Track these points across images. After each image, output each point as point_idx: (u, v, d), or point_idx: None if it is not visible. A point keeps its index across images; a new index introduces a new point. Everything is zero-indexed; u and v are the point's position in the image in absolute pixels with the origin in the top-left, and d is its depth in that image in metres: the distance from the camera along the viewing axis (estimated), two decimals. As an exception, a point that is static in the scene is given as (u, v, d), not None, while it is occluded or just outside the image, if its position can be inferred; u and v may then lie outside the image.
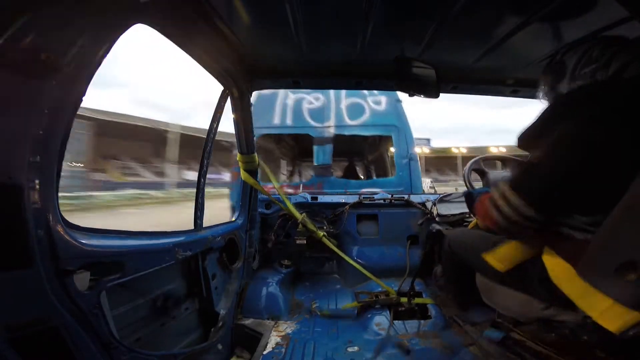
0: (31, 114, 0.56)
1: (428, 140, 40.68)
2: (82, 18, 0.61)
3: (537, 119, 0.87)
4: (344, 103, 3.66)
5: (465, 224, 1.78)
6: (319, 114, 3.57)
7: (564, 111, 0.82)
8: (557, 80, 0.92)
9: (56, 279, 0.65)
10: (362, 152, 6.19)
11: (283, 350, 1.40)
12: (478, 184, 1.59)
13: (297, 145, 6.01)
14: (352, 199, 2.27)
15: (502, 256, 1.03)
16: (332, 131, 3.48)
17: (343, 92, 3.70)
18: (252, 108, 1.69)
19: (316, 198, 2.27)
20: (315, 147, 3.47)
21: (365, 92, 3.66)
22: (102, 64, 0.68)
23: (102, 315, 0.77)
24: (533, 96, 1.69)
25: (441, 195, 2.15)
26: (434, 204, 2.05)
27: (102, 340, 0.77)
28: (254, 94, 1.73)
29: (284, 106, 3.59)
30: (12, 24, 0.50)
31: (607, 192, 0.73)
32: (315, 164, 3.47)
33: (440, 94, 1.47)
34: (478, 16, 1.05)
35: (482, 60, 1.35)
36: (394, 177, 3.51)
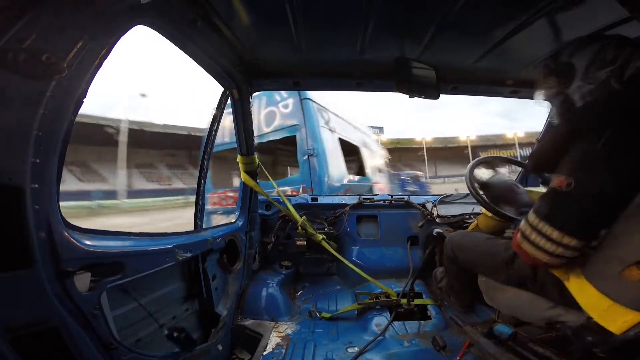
0: (32, 115, 0.56)
1: (380, 128, 40.16)
2: (82, 19, 0.61)
3: (550, 138, 0.83)
4: (262, 113, 3.88)
5: (465, 225, 1.78)
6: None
7: (579, 129, 0.78)
8: (565, 83, 0.85)
9: (57, 280, 0.65)
10: (283, 155, 6.31)
11: (283, 351, 1.40)
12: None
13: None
14: (352, 199, 2.27)
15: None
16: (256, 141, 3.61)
17: (263, 102, 3.90)
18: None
19: (316, 199, 2.26)
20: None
21: (278, 97, 3.82)
22: (102, 65, 0.69)
23: (102, 316, 0.76)
24: (533, 96, 1.69)
25: (441, 196, 2.15)
26: (434, 205, 2.05)
27: (103, 341, 0.77)
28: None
29: (223, 127, 3.67)
30: (13, 25, 0.50)
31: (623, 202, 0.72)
32: None
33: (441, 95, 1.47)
34: (478, 16, 1.05)
35: (482, 60, 1.35)
36: (297, 175, 3.64)
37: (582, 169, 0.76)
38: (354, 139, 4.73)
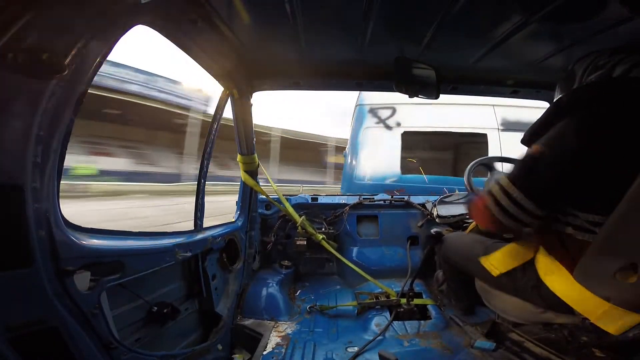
0: (32, 114, 0.56)
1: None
2: (83, 19, 0.61)
3: (541, 117, 0.88)
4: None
5: (465, 225, 1.78)
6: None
7: (567, 107, 0.83)
8: (567, 88, 0.95)
9: (56, 279, 0.65)
10: None
11: (283, 350, 1.40)
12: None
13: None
14: (352, 199, 2.28)
15: (497, 261, 1.03)
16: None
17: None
18: None
19: (316, 199, 2.27)
20: None
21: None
22: (103, 65, 0.69)
23: (102, 316, 0.77)
24: (533, 97, 1.69)
25: (441, 197, 2.15)
26: (434, 205, 2.05)
27: (102, 341, 0.77)
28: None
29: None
30: (14, 24, 0.50)
31: (612, 191, 0.72)
32: None
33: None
34: (478, 16, 1.05)
35: (482, 60, 1.35)
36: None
37: (554, 139, 0.81)
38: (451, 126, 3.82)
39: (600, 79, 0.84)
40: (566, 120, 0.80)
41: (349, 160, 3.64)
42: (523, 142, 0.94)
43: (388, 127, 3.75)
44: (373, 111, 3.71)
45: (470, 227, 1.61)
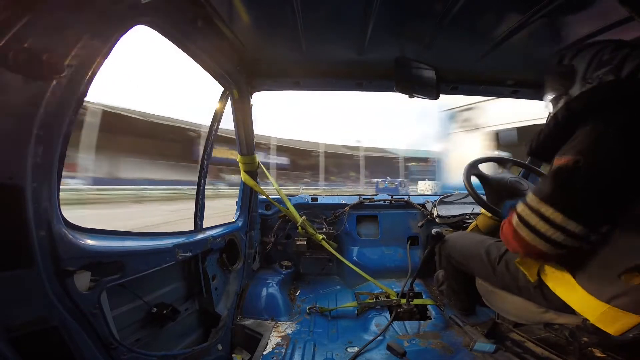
0: (33, 114, 0.56)
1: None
2: (83, 19, 0.61)
3: (552, 125, 0.82)
4: None
5: (465, 225, 1.78)
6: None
7: (579, 113, 0.76)
8: (567, 86, 0.87)
9: (57, 279, 0.65)
10: None
11: (283, 350, 1.40)
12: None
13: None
14: (352, 199, 2.28)
15: (529, 266, 0.93)
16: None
17: None
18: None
19: (316, 199, 2.27)
20: None
21: None
22: (103, 65, 0.69)
23: (102, 316, 0.77)
24: (533, 97, 1.69)
25: (441, 197, 2.15)
26: (434, 205, 2.05)
27: (102, 341, 0.77)
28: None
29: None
30: (14, 25, 0.50)
31: (616, 198, 0.71)
32: None
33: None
34: (478, 17, 1.05)
35: (482, 60, 1.35)
36: None
37: (592, 148, 0.71)
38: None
39: (620, 78, 0.76)
40: (594, 125, 0.73)
41: (441, 167, 3.63)
42: (532, 154, 0.88)
43: (469, 129, 3.65)
44: (454, 115, 3.64)
45: (471, 226, 1.61)
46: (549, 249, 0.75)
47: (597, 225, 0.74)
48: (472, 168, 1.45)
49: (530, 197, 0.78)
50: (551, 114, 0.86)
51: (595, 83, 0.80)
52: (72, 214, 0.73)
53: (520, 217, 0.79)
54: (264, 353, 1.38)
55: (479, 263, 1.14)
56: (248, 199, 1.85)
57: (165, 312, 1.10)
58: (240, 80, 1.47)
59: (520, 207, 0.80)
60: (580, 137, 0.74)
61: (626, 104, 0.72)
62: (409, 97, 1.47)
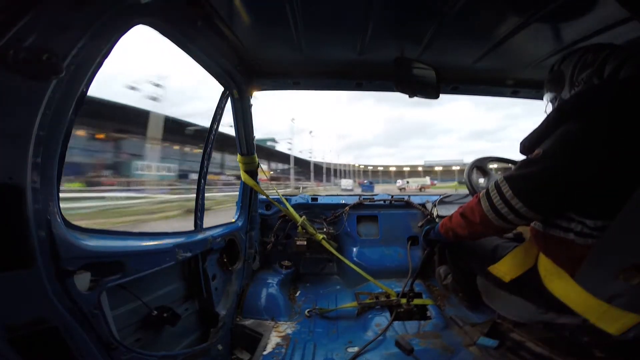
0: (33, 114, 0.56)
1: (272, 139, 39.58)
2: (83, 19, 0.61)
3: (544, 125, 0.87)
4: None
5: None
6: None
7: (566, 114, 0.82)
8: (558, 90, 0.94)
9: (57, 279, 0.65)
10: None
11: (283, 350, 1.40)
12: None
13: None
14: (352, 199, 2.28)
15: (507, 267, 1.03)
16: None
17: None
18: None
19: (316, 199, 2.27)
20: None
21: None
22: (103, 65, 0.69)
23: (102, 316, 0.77)
24: (533, 97, 1.69)
25: (441, 197, 2.15)
26: (434, 205, 2.05)
27: (103, 341, 0.77)
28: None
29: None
30: (14, 25, 0.50)
31: (614, 195, 0.72)
32: None
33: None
34: (478, 16, 1.05)
35: (482, 60, 1.35)
36: None
37: (553, 144, 0.81)
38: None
39: (603, 81, 0.82)
40: (567, 125, 0.79)
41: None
42: (521, 150, 0.93)
43: None
44: None
45: None
46: (496, 221, 0.87)
47: (538, 210, 0.84)
48: (475, 166, 1.46)
49: (500, 177, 0.89)
50: (546, 115, 0.91)
51: (582, 85, 0.87)
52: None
53: (487, 191, 0.91)
54: (264, 353, 1.38)
55: (480, 261, 1.14)
56: (248, 198, 1.85)
57: (165, 315, 1.09)
58: (240, 80, 1.47)
59: (491, 184, 0.92)
60: (554, 135, 0.81)
61: (598, 107, 0.77)
62: (410, 96, 1.47)
